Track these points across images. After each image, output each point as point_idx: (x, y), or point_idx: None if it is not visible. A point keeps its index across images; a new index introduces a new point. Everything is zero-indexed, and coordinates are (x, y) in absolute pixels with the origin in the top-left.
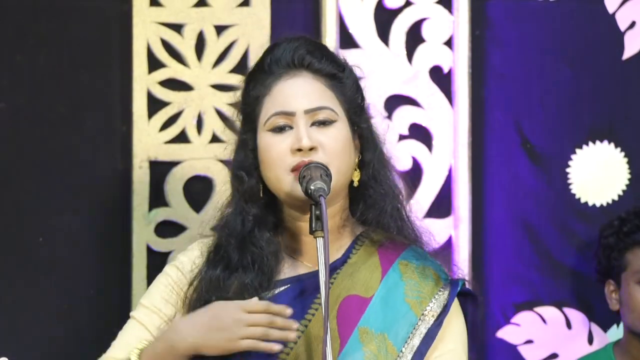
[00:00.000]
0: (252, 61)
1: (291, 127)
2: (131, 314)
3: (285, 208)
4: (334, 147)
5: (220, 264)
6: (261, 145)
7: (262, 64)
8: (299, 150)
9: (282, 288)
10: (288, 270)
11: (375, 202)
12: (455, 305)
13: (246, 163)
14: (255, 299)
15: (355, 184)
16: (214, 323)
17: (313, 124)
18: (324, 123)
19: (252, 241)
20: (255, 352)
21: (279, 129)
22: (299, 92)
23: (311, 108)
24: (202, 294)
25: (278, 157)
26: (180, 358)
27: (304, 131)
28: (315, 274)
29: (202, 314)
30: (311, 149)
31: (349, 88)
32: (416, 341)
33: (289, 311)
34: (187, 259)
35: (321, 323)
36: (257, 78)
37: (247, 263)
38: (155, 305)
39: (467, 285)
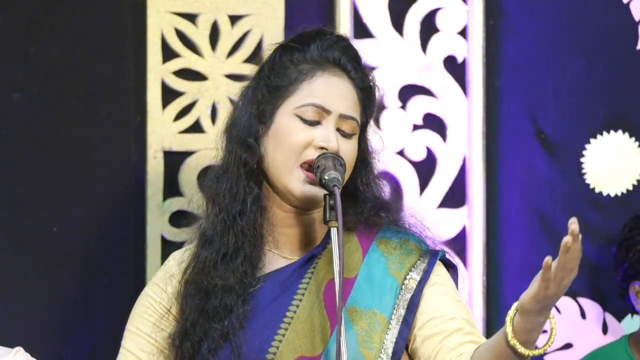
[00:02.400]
0: (266, 51)
1: (318, 122)
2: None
3: (272, 193)
4: (348, 161)
5: (211, 245)
6: (282, 125)
7: (309, 48)
8: (322, 148)
9: (262, 284)
10: (268, 265)
11: (359, 197)
12: (444, 272)
13: (253, 133)
14: None
15: None
16: None
17: (337, 130)
18: (346, 134)
19: (245, 227)
20: (250, 338)
21: (307, 120)
22: (340, 94)
23: (346, 115)
24: (194, 274)
25: (297, 144)
26: None
27: (333, 134)
28: (293, 266)
29: None
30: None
31: (371, 106)
32: (402, 311)
33: None
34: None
35: (310, 308)
36: (299, 59)
37: (236, 250)
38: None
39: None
